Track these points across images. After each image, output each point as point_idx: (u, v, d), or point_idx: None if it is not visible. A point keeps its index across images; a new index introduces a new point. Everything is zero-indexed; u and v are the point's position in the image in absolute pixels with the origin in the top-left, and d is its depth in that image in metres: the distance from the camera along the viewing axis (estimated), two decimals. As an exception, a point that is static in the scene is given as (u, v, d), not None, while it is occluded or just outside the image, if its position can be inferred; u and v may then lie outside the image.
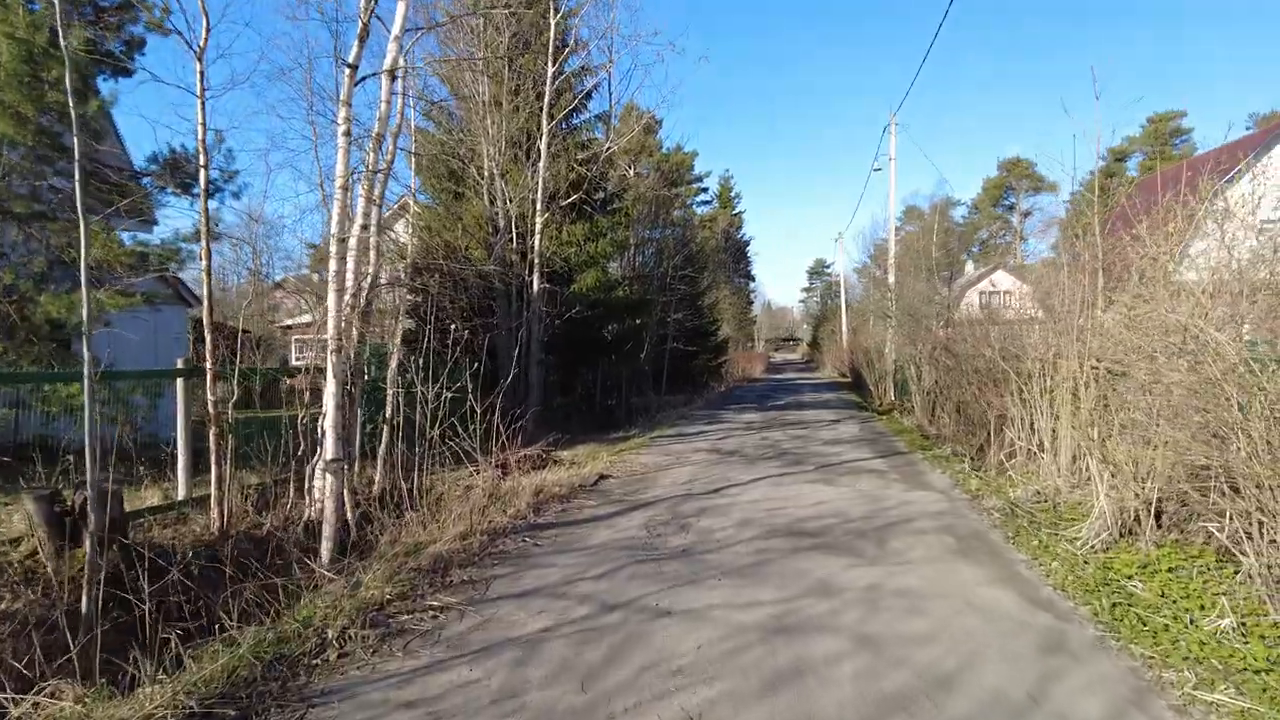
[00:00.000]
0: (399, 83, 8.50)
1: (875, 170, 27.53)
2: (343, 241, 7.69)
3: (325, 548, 6.45)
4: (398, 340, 12.27)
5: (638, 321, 21.92)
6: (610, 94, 20.91)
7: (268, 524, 6.67)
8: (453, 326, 14.32)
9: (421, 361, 8.87)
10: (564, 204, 16.70)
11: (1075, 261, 9.65)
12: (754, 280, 67.48)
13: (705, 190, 56.80)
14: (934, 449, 11.10)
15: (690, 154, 47.43)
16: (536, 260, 15.33)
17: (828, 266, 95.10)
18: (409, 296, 17.86)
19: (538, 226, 15.33)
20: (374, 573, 5.12)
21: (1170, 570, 5.36)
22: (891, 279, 24.42)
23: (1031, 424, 9.56)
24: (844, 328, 46.14)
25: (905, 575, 5.07)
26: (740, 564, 5.37)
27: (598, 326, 18.77)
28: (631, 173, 31.26)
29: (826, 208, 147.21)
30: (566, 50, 16.58)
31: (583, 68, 18.89)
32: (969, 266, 54.64)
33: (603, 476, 9.14)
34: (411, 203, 17.40)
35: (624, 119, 41.66)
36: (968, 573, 5.14)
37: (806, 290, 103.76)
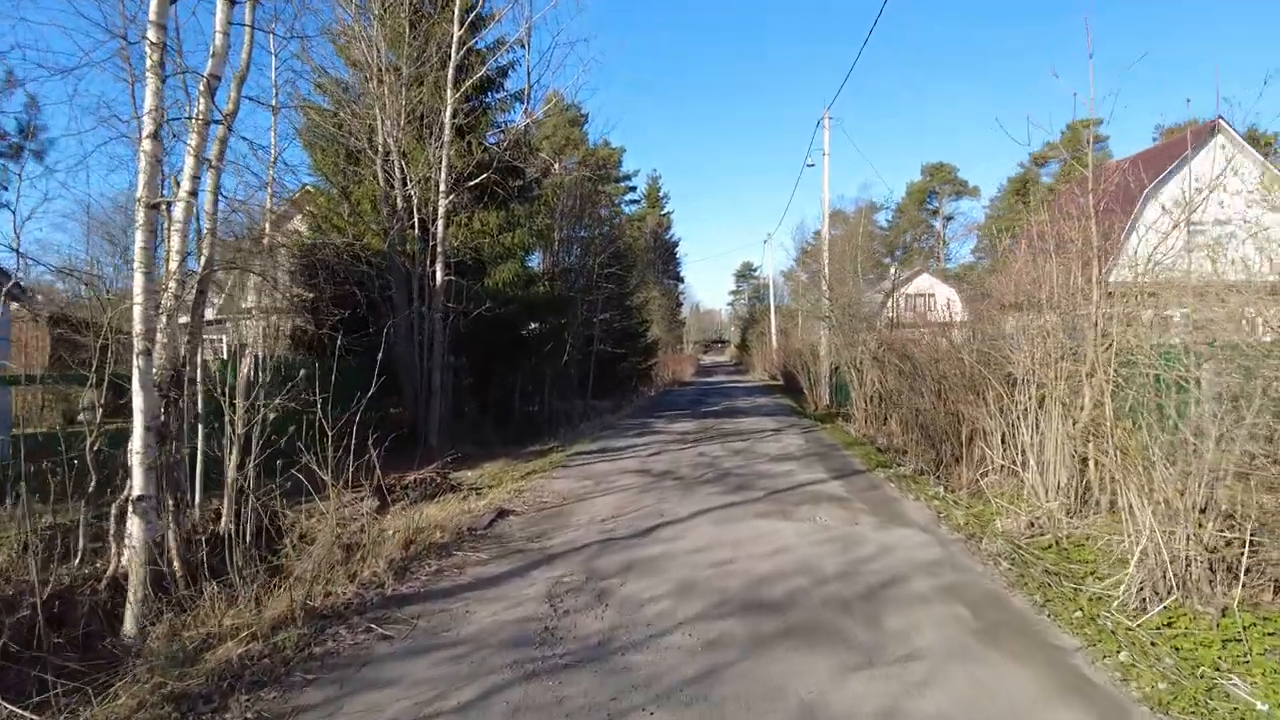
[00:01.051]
0: (243, 9, 6.54)
1: (809, 166, 26.37)
2: (153, 208, 5.71)
3: (130, 615, 4.51)
4: (251, 340, 10.08)
5: (561, 320, 20.10)
6: (529, 73, 18.96)
7: (51, 583, 4.63)
8: (341, 326, 12.29)
9: (274, 370, 6.88)
10: (470, 185, 14.75)
11: (1063, 248, 8.32)
12: (683, 282, 66.38)
13: (633, 189, 55.36)
14: (894, 466, 9.69)
15: (617, 150, 45.84)
16: (440, 249, 13.35)
17: (755, 269, 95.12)
18: (297, 292, 15.66)
19: (441, 210, 13.35)
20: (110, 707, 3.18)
21: (1268, 652, 3.90)
22: (825, 276, 23.28)
23: (1010, 438, 8.19)
24: (773, 330, 45.31)
25: (927, 691, 3.46)
26: (682, 674, 3.67)
27: (516, 325, 16.89)
28: (557, 167, 29.44)
29: (754, 211, 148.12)
30: (473, 13, 14.63)
31: (497, 42, 16.95)
32: (894, 270, 54.63)
33: (503, 513, 7.22)
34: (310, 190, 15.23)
35: (549, 108, 39.49)
36: (1012, 678, 3.51)
37: (734, 293, 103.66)
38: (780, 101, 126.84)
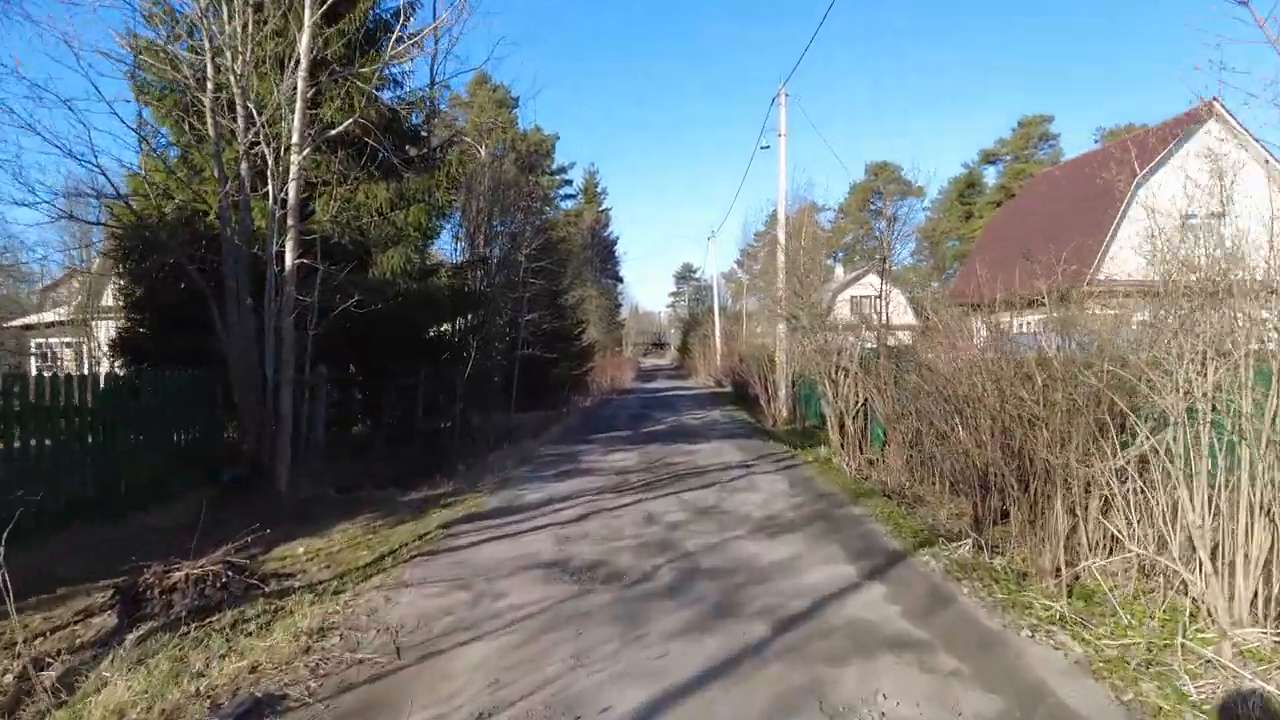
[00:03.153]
0: None
1: (763, 148, 23.41)
2: None
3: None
4: None
5: (474, 320, 16.59)
6: (434, 14, 15.34)
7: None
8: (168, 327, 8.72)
9: None
10: (342, 141, 11.21)
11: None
12: (622, 282, 63.24)
13: (569, 183, 51.88)
14: (937, 541, 6.44)
15: (550, 136, 42.37)
16: (291, 223, 9.75)
17: (695, 271, 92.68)
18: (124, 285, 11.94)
19: (293, 170, 9.75)
20: None
21: None
22: (783, 271, 20.36)
23: (1129, 498, 5.16)
24: (717, 333, 42.49)
25: None
26: None
27: (416, 325, 13.34)
28: (483, 152, 25.83)
29: (696, 212, 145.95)
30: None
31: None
32: (838, 271, 52.67)
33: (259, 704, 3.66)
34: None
35: (472, 82, 35.85)
36: None
37: (674, 294, 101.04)
38: (729, 98, 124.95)
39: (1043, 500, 6.05)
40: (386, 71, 13.86)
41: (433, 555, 6.11)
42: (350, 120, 10.21)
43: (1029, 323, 8.67)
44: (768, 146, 23.54)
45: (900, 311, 23.11)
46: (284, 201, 9.89)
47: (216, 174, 9.67)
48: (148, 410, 8.94)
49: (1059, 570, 5.60)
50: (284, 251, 9.80)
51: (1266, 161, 20.49)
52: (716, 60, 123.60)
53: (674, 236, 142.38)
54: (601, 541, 6.41)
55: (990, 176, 54.97)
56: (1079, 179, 24.36)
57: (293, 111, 9.76)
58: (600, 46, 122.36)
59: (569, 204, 52.54)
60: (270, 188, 9.80)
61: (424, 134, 15.47)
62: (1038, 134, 49.90)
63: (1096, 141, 53.63)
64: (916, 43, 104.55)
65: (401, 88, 14.50)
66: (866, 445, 11.37)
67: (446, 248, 23.91)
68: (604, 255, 54.31)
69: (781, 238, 20.91)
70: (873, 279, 48.02)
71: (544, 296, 25.11)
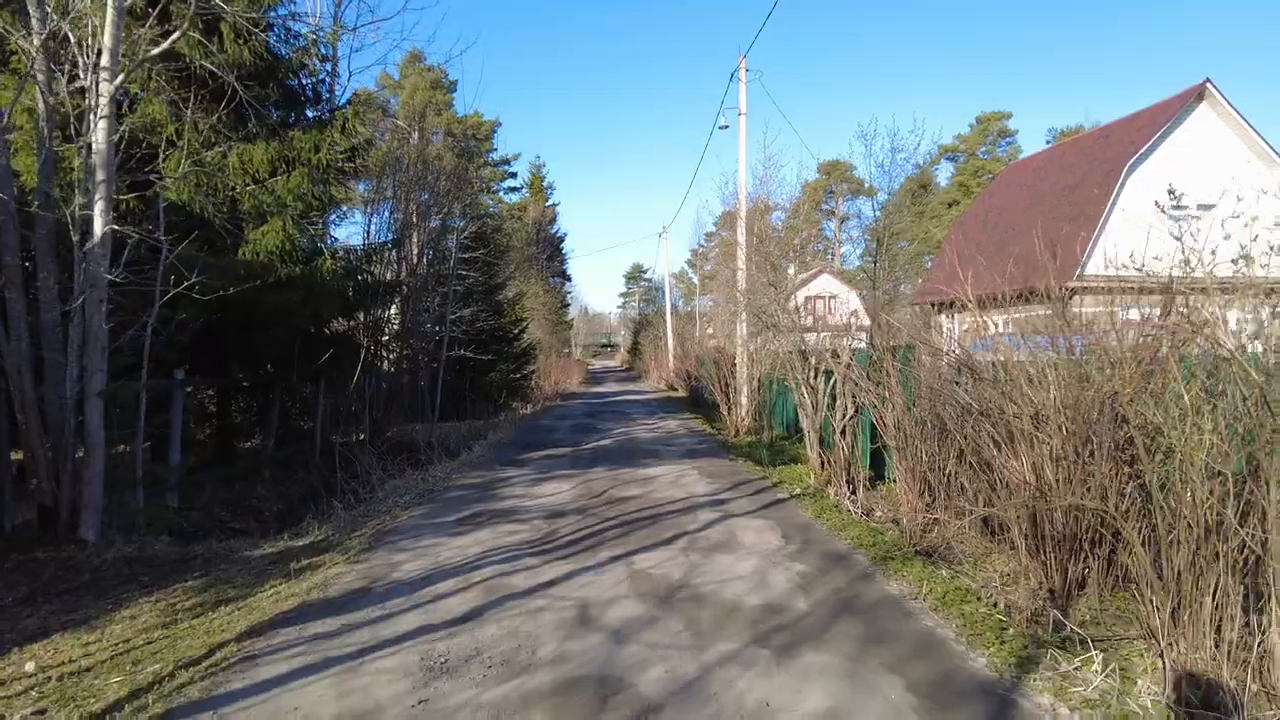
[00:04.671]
0: None
1: (722, 128, 21.16)
2: None
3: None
4: None
5: (374, 316, 13.98)
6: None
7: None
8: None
9: None
10: (166, 62, 8.57)
11: None
12: (570, 280, 60.57)
13: (513, 175, 49.14)
14: (1062, 660, 4.09)
15: (490, 121, 39.63)
16: (102, 177, 7.08)
17: (645, 271, 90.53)
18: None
19: (103, 100, 7.07)
20: None
21: None
22: (741, 266, 18.26)
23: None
24: (669, 334, 40.31)
25: None
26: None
27: (298, 321, 10.67)
28: (415, 137, 23.17)
29: (647, 210, 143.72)
30: None
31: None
32: (790, 270, 50.96)
33: None
34: None
35: (404, 61, 32.85)
36: None
37: (624, 295, 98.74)
38: (681, 93, 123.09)
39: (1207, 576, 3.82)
40: (273, 12, 11.25)
41: (209, 698, 3.59)
42: (178, 36, 7.50)
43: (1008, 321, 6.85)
44: (726, 126, 21.32)
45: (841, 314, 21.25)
46: (90, 145, 7.22)
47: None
48: None
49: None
50: (90, 216, 7.12)
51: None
52: (671, 56, 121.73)
53: (624, 235, 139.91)
54: (499, 677, 3.76)
55: (942, 178, 53.96)
56: (1058, 167, 22.79)
57: (101, 11, 7.08)
58: (556, 41, 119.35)
59: (513, 197, 49.78)
60: (98, 129, 7.10)
61: (321, 94, 12.82)
62: (996, 130, 49.03)
63: (1048, 141, 53.06)
64: (875, 29, 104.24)
65: (289, 31, 11.86)
66: (856, 467, 9.18)
67: (354, 226, 21.13)
68: (550, 252, 51.66)
69: (742, 224, 18.76)
70: (826, 280, 46.47)
71: (479, 292, 22.53)
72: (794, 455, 11.43)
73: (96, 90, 7.09)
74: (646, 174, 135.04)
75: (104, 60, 7.05)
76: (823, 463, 10.06)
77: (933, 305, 23.41)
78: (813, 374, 10.41)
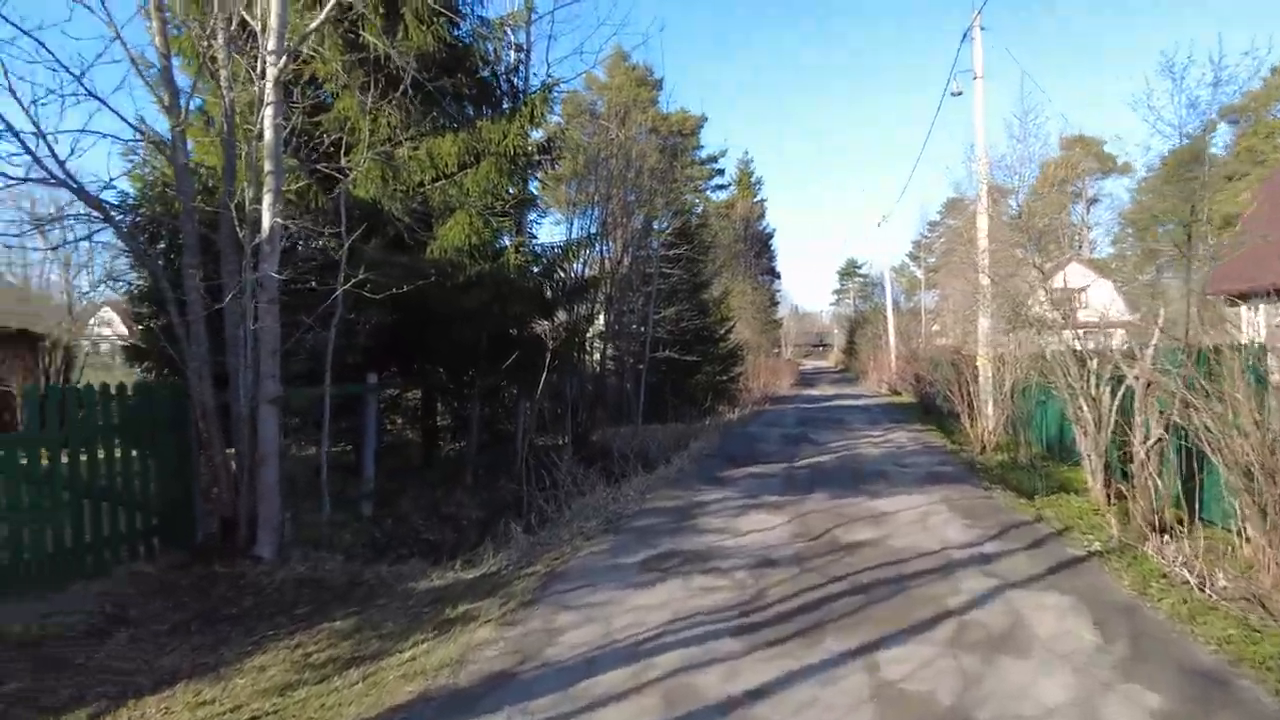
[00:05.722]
0: None
1: (955, 94, 18.38)
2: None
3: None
4: None
5: (572, 317, 13.18)
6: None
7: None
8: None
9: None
10: (353, 54, 8.07)
11: None
12: (779, 278, 58.40)
13: (720, 173, 47.80)
14: None
15: (695, 117, 38.68)
16: (270, 167, 6.61)
17: (860, 266, 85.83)
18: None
19: (269, 84, 6.59)
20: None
21: None
22: (982, 249, 15.69)
23: None
24: (890, 332, 37.12)
25: None
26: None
27: (485, 320, 9.99)
28: (615, 130, 22.54)
29: (859, 203, 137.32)
30: None
31: None
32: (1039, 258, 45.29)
33: None
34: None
35: (607, 57, 32.75)
36: None
37: (838, 292, 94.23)
38: (901, 68, 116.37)
39: None
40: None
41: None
42: (332, 6, 6.86)
43: None
44: (960, 92, 18.53)
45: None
46: (260, 132, 6.77)
47: (166, 96, 6.63)
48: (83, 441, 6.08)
49: None
50: (263, 205, 6.67)
51: None
52: (888, 23, 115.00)
53: (837, 228, 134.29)
54: None
55: (1218, 145, 45.25)
56: None
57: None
58: (759, 30, 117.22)
59: (720, 195, 48.66)
60: (265, 116, 6.67)
61: (515, 84, 12.21)
62: (1301, 80, 40.27)
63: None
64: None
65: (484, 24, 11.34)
66: (1167, 508, 6.77)
67: (561, 234, 20.98)
68: (759, 249, 49.97)
69: (983, 201, 16.11)
70: (1078, 268, 40.82)
71: (683, 290, 21.49)
72: (1064, 482, 9.01)
73: (264, 76, 6.62)
74: (861, 159, 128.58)
75: (270, 44, 6.56)
76: (1108, 496, 7.71)
77: (1226, 296, 18.95)
78: (1094, 382, 8.07)
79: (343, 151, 8.21)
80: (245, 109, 7.27)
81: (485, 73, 11.44)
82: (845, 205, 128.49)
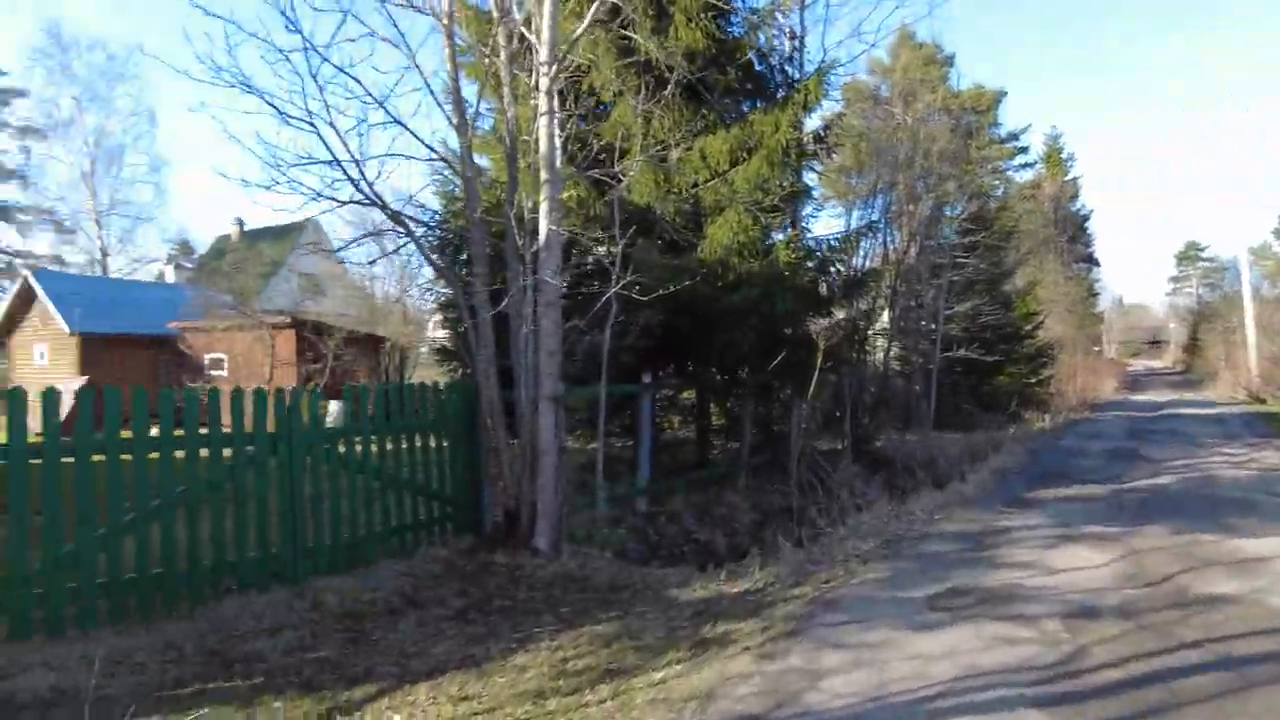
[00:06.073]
0: None
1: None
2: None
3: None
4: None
5: (851, 312, 12.35)
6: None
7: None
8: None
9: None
10: (624, 60, 8.09)
11: None
12: (1097, 266, 51.08)
13: (1023, 150, 42.92)
14: None
15: (992, 93, 34.98)
16: (546, 176, 6.84)
17: (1203, 249, 72.39)
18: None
19: (541, 96, 6.82)
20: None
21: None
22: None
23: None
24: (1249, 326, 30.68)
25: None
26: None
27: (758, 321, 9.63)
28: (907, 116, 21.35)
29: (1196, 174, 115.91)
30: None
31: None
32: None
33: None
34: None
35: (897, 50, 31.33)
36: None
37: (1175, 280, 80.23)
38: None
39: None
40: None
41: None
42: (597, 6, 6.86)
43: None
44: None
45: None
46: (533, 141, 7.04)
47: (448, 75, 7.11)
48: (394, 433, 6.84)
49: None
50: (540, 213, 6.93)
51: None
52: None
53: (1170, 204, 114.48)
54: None
55: None
56: None
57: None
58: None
59: (1025, 174, 43.68)
60: (539, 126, 6.95)
61: (789, 73, 11.71)
62: None
63: None
64: None
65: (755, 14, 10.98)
66: None
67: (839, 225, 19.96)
68: (1072, 233, 44.09)
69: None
70: None
71: (981, 282, 19.44)
72: None
73: (537, 86, 6.86)
74: (1204, 118, 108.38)
75: (542, 55, 6.78)
76: None
77: None
78: None
79: (616, 157, 8.33)
80: (526, 123, 7.62)
81: (758, 65, 11.10)
82: (1182, 178, 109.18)
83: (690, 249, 9.58)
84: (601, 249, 8.59)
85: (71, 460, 4.79)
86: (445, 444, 7.32)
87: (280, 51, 6.23)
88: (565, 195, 9.31)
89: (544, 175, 6.87)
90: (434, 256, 7.45)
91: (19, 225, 37.37)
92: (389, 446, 6.84)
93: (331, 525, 6.24)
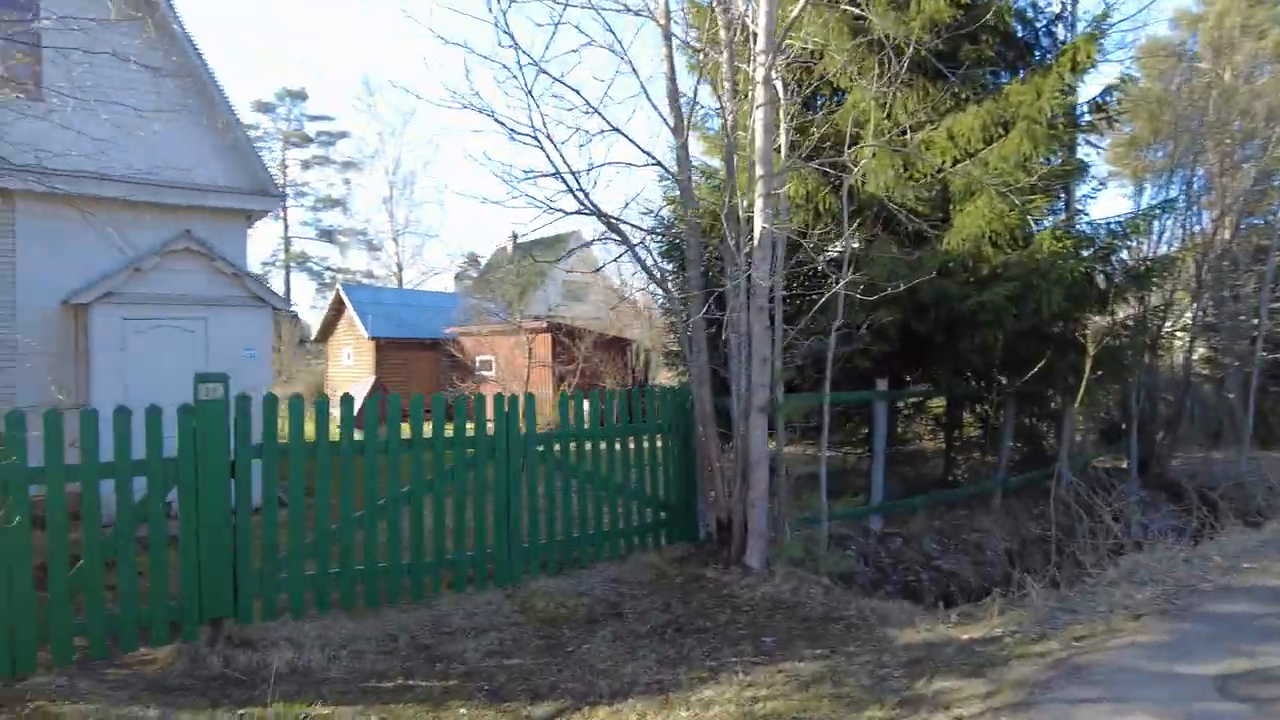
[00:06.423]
0: None
1: None
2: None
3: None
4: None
5: (1139, 306, 10.48)
6: None
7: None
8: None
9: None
10: (856, 39, 7.41)
11: None
12: None
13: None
14: None
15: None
16: (761, 171, 6.45)
17: None
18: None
19: (759, 86, 6.41)
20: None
21: None
22: None
23: None
24: None
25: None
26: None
27: (1014, 321, 8.44)
28: (1223, 72, 18.33)
29: None
30: None
31: None
32: None
33: None
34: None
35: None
36: None
37: None
38: None
39: None
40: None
41: None
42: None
43: None
44: None
45: None
46: (750, 138, 6.66)
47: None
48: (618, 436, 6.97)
49: None
50: (755, 210, 6.56)
51: None
52: None
53: None
54: None
55: None
56: None
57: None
58: None
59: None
60: (755, 119, 6.61)
61: (1055, 34, 10.17)
62: None
63: None
64: None
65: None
66: None
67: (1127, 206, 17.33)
68: None
69: None
70: None
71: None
72: None
73: (754, 77, 6.48)
74: None
75: (759, 44, 6.38)
76: None
77: None
78: None
79: (846, 145, 7.68)
80: (745, 118, 7.27)
81: (1020, 30, 9.77)
82: None
83: (932, 241, 8.64)
84: (837, 247, 7.99)
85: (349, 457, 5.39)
86: (661, 449, 7.25)
87: (505, 67, 6.47)
88: (791, 190, 8.84)
89: (759, 170, 6.49)
90: (649, 262, 7.34)
91: (340, 245, 44.78)
92: (604, 450, 6.88)
93: (547, 527, 6.39)
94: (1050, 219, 9.43)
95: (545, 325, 20.86)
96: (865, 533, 8.81)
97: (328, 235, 44.83)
